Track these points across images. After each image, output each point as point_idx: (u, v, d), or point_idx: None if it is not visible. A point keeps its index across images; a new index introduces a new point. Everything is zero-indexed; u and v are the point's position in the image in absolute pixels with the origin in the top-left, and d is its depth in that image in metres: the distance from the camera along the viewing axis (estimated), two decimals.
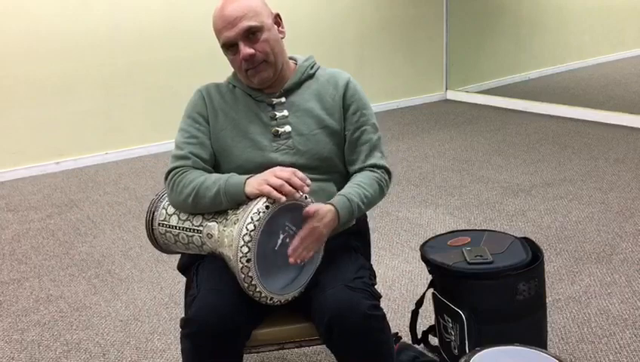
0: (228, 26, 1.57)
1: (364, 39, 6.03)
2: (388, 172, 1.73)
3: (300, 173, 1.48)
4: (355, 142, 1.70)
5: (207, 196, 1.53)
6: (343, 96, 1.70)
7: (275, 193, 1.43)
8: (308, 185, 1.49)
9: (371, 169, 1.69)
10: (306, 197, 1.51)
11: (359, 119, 1.70)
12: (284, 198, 1.43)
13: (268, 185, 1.44)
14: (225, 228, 1.48)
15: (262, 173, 1.50)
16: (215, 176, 1.58)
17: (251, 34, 1.58)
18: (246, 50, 1.58)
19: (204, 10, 4.94)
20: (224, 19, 1.58)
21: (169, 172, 1.63)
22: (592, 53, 7.49)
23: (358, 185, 1.64)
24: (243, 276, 1.42)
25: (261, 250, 1.43)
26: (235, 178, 1.54)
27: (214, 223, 1.53)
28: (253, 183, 1.48)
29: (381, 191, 1.69)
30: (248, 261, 1.40)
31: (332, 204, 1.56)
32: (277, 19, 1.67)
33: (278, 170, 1.48)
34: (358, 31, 5.98)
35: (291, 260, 1.48)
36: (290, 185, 1.45)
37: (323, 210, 1.53)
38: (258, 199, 1.45)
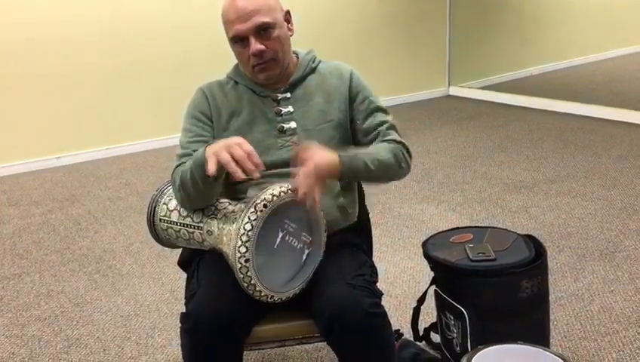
0: (241, 19, 1.55)
1: (366, 34, 6.01)
2: (407, 149, 1.66)
3: (257, 158, 1.37)
4: (368, 127, 1.67)
5: (187, 178, 1.49)
6: (349, 87, 1.69)
7: (235, 168, 1.34)
8: (260, 171, 1.39)
9: (389, 141, 1.65)
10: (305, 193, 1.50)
11: (368, 106, 1.68)
12: (240, 172, 1.34)
13: (229, 153, 1.36)
14: (224, 226, 1.47)
15: (219, 141, 1.42)
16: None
17: (263, 30, 1.56)
18: (257, 46, 1.56)
19: (206, 7, 4.93)
20: (237, 12, 1.55)
21: (173, 172, 1.61)
22: (595, 50, 7.46)
23: (371, 149, 1.60)
24: (242, 276, 1.41)
25: (260, 248, 1.42)
26: (198, 152, 1.47)
27: (214, 220, 1.52)
28: (212, 150, 1.39)
29: (397, 161, 1.61)
30: (247, 261, 1.39)
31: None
32: (287, 17, 1.65)
33: (235, 144, 1.38)
34: (360, 26, 5.96)
35: (301, 194, 1.40)
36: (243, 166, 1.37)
37: (320, 148, 1.48)
38: (256, 197, 1.43)
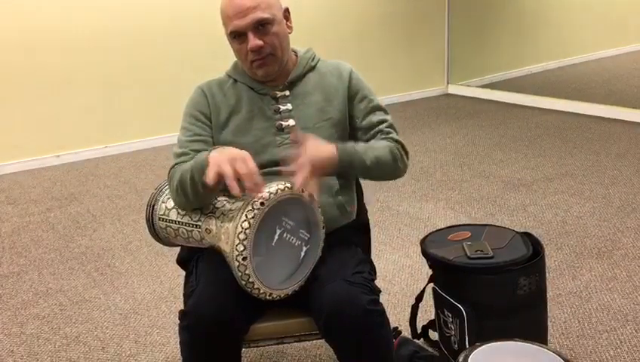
0: (239, 15, 1.55)
1: (365, 33, 6.01)
2: (404, 148, 1.67)
3: (259, 179, 1.37)
4: (368, 125, 1.68)
5: (187, 179, 1.48)
6: (347, 86, 1.69)
7: (233, 184, 1.33)
8: (259, 192, 1.39)
9: (388, 139, 1.65)
10: (302, 190, 1.50)
11: (368, 105, 1.69)
12: (237, 190, 1.34)
13: (232, 167, 1.34)
14: (222, 224, 1.47)
15: (225, 151, 1.41)
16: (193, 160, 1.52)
17: (261, 25, 1.56)
18: (255, 41, 1.56)
19: (206, 5, 4.92)
20: (236, 8, 1.55)
21: (170, 170, 1.61)
22: (593, 48, 7.46)
23: (369, 145, 1.61)
24: (240, 273, 1.41)
25: (258, 246, 1.42)
26: (201, 155, 1.47)
27: (212, 218, 1.52)
28: (216, 159, 1.38)
29: (394, 160, 1.62)
30: (244, 259, 1.39)
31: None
32: (286, 14, 1.66)
33: (240, 158, 1.37)
34: (359, 24, 5.96)
35: (297, 187, 1.42)
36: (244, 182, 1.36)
37: (317, 140, 1.49)
38: (253, 195, 1.42)
